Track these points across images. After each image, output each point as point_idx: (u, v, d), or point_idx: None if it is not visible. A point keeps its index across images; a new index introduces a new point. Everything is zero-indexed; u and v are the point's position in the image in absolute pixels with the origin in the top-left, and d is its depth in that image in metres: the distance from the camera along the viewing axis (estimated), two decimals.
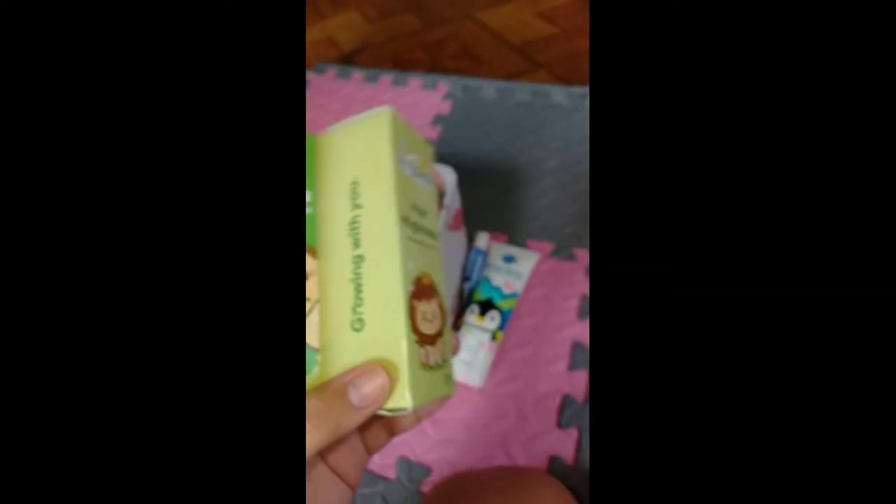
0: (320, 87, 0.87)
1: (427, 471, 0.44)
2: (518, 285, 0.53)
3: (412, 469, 0.45)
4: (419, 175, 0.20)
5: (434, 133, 0.75)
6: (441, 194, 0.51)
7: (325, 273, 0.18)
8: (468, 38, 0.91)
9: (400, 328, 0.17)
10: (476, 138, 0.72)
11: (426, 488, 0.43)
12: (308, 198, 0.19)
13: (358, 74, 0.87)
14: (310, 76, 0.89)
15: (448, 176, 0.49)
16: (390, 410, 0.17)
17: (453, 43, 0.91)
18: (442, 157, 0.69)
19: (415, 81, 0.83)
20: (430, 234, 0.20)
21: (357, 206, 0.18)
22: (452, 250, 0.50)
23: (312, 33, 1.00)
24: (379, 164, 0.18)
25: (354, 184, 0.19)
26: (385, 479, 0.45)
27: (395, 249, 0.17)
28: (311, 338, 0.18)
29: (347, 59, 0.93)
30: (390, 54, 0.92)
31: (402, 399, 0.17)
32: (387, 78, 0.85)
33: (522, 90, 0.78)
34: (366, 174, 0.19)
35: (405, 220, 0.18)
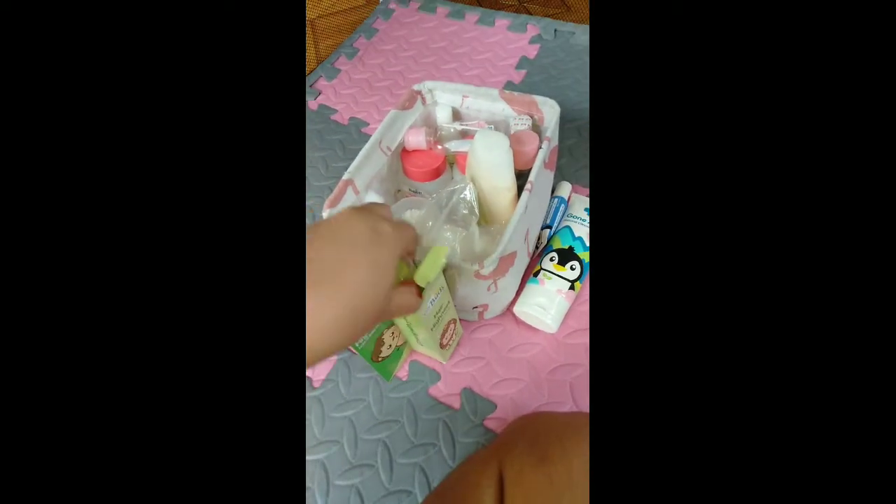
0: (402, 18, 0.84)
1: (492, 406, 0.44)
2: None
3: (477, 401, 0.44)
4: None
5: (517, 77, 0.71)
6: (541, 129, 0.48)
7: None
8: None
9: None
10: (562, 86, 0.68)
11: (491, 423, 0.43)
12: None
13: (442, 9, 0.83)
14: (392, 6, 0.86)
15: (550, 110, 0.46)
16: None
17: None
18: None
19: (502, 21, 0.79)
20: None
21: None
22: (544, 189, 0.48)
23: None
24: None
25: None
26: (449, 407, 0.44)
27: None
28: None
29: None
30: None
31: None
32: (473, 15, 0.81)
33: None
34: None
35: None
